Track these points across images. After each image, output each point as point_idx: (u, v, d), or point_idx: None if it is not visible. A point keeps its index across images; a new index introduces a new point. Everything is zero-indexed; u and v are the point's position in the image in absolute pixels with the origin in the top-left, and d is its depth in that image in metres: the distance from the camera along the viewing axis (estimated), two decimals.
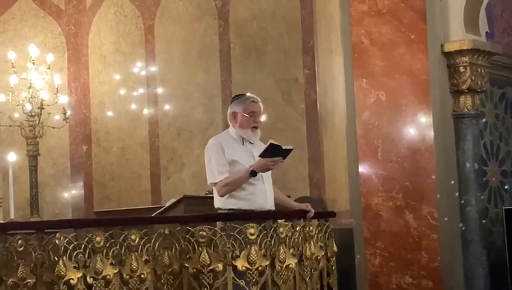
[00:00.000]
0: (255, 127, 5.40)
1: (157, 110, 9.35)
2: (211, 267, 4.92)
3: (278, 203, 5.59)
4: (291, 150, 5.30)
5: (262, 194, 5.35)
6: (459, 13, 7.00)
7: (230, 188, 5.26)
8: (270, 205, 5.41)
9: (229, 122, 5.48)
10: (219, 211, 5.37)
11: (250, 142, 5.42)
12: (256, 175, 5.25)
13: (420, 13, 6.77)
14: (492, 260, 7.19)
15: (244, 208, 5.28)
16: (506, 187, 8.22)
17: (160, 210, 6.85)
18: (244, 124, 5.36)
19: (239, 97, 5.52)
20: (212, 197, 7.01)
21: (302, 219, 5.49)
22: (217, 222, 5.17)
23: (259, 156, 5.23)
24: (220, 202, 5.36)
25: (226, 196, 5.30)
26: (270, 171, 5.42)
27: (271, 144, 5.20)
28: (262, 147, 5.38)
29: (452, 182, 6.94)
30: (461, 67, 7.01)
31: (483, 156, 7.80)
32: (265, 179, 5.40)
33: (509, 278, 7.47)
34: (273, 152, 5.21)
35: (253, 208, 5.30)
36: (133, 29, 9.53)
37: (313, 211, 5.57)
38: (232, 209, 5.29)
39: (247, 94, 5.55)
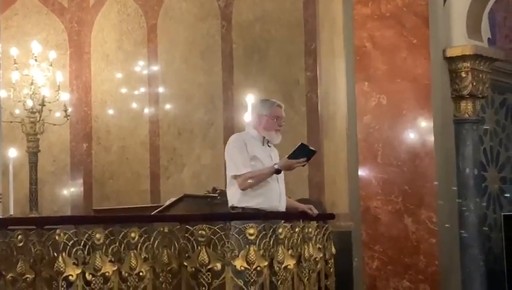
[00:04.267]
0: (278, 130, 5.59)
1: (158, 110, 9.36)
2: (209, 267, 4.93)
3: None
4: (315, 152, 5.52)
5: (276, 194, 5.48)
6: (462, 19, 7.02)
7: (252, 182, 5.37)
8: (283, 205, 5.54)
9: (251, 124, 5.66)
10: (234, 209, 5.43)
11: (269, 145, 5.59)
12: (280, 173, 5.43)
13: (423, 18, 6.79)
14: (489, 265, 7.21)
15: (259, 207, 5.36)
16: (506, 195, 8.23)
17: (160, 209, 6.87)
18: (269, 126, 5.55)
19: (264, 101, 5.75)
20: (212, 196, 7.07)
21: (301, 220, 5.50)
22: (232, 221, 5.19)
23: (287, 157, 5.40)
24: (234, 199, 5.43)
25: (241, 194, 5.38)
26: (283, 174, 5.56)
27: (302, 144, 5.43)
28: (276, 151, 5.60)
29: (454, 188, 6.95)
30: (463, 72, 7.04)
31: (483, 161, 7.81)
32: (280, 180, 5.54)
33: (506, 285, 7.48)
34: (301, 153, 5.40)
35: (266, 207, 5.40)
36: (135, 28, 9.55)
37: (316, 212, 5.66)
38: (247, 207, 5.37)
39: (272, 99, 5.77)
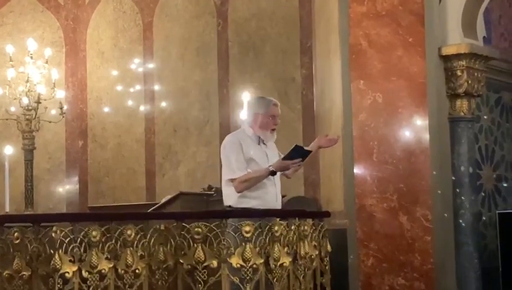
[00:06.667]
0: (274, 129, 5.57)
1: (153, 107, 9.36)
2: (205, 264, 4.93)
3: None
4: (311, 152, 5.52)
5: (273, 196, 5.52)
6: (457, 17, 7.04)
7: (248, 184, 5.38)
8: (279, 206, 5.60)
9: (246, 122, 5.62)
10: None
11: (264, 143, 5.57)
12: (275, 174, 5.41)
13: (418, 16, 6.80)
14: (484, 263, 7.23)
15: (256, 207, 5.38)
16: (505, 184, 8.26)
17: (156, 206, 6.88)
18: (264, 125, 5.52)
19: (260, 99, 5.70)
20: (208, 194, 7.08)
21: (297, 218, 5.51)
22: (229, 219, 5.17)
23: (282, 159, 5.38)
24: (231, 200, 5.43)
25: (239, 195, 5.39)
26: (279, 175, 5.55)
27: (296, 145, 5.37)
28: (273, 147, 5.60)
29: (449, 186, 6.97)
30: (458, 71, 7.05)
31: (478, 160, 7.84)
32: (277, 181, 5.56)
33: (501, 282, 7.51)
34: (295, 154, 5.38)
35: (264, 207, 5.41)
36: (131, 25, 9.54)
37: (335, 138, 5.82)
38: (244, 208, 5.39)
39: (268, 97, 5.73)
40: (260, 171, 5.40)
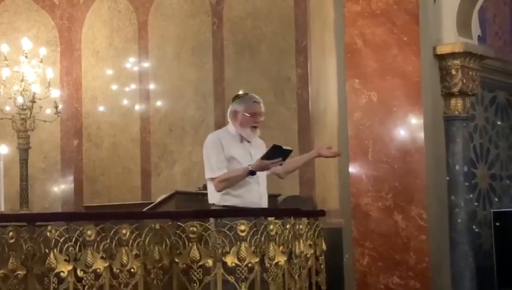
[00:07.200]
0: (255, 127, 5.48)
1: (149, 106, 9.37)
2: (200, 263, 4.93)
3: (298, 168, 6.03)
4: (291, 151, 5.42)
5: (256, 195, 5.46)
6: (452, 16, 7.05)
7: (227, 184, 5.34)
8: (264, 205, 5.52)
9: (229, 120, 5.56)
10: (213, 207, 5.43)
11: (248, 141, 5.50)
12: (255, 174, 5.34)
13: (413, 15, 6.80)
14: (479, 262, 7.24)
15: (238, 205, 5.35)
16: (500, 183, 8.27)
17: (151, 205, 6.88)
18: (244, 123, 5.44)
19: (241, 96, 5.60)
20: (203, 193, 7.07)
21: (292, 217, 5.51)
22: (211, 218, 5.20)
23: (261, 158, 5.31)
24: (214, 198, 5.43)
25: (221, 193, 5.37)
26: (265, 173, 5.51)
27: (274, 145, 5.30)
28: (260, 144, 5.52)
29: (444, 185, 6.98)
30: (453, 70, 7.06)
31: (473, 158, 7.85)
32: (261, 180, 5.49)
33: (496, 281, 7.52)
34: (275, 153, 5.32)
35: (247, 206, 5.37)
36: (126, 24, 9.54)
37: (333, 150, 5.82)
38: (227, 205, 5.36)
39: (250, 94, 5.62)
40: (239, 170, 5.34)
